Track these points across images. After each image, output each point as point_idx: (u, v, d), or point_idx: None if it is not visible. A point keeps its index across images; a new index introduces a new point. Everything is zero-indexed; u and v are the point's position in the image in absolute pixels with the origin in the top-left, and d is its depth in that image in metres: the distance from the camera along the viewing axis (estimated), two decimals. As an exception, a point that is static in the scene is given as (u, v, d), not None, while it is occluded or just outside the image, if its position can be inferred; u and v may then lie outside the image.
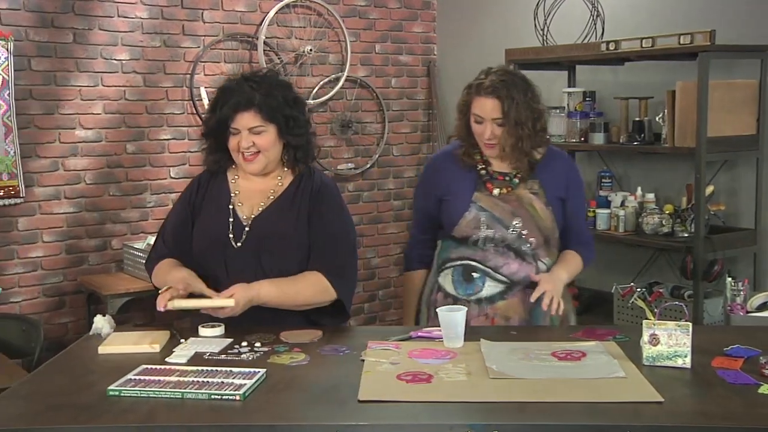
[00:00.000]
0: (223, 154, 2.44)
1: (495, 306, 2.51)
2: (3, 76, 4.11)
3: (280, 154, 2.43)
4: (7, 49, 4.11)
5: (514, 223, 2.49)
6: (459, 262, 2.55)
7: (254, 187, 2.45)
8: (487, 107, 2.44)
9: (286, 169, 2.47)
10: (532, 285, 2.48)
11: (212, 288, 2.29)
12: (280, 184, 2.45)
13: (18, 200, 4.23)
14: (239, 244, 2.37)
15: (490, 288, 2.51)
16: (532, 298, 2.42)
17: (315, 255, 2.39)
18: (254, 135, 2.35)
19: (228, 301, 2.18)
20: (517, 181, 2.53)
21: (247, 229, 2.38)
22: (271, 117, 2.35)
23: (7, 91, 4.13)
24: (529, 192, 2.52)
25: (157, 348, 2.12)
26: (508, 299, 2.51)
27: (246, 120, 2.33)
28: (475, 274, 2.52)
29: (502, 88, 2.42)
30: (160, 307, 2.19)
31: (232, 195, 2.45)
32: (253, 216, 2.41)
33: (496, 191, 2.53)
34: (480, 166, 2.56)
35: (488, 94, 2.44)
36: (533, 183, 2.53)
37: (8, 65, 4.12)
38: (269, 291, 2.28)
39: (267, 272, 2.34)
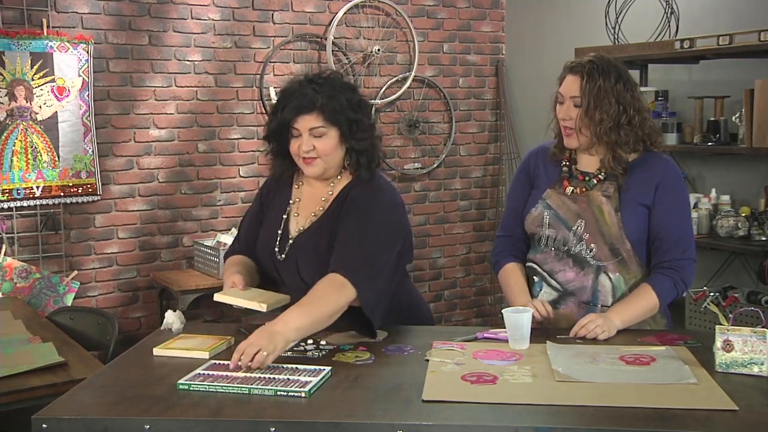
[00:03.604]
0: (286, 158, 2.40)
1: None
2: (83, 78, 4.27)
3: (341, 159, 2.35)
4: (88, 52, 4.26)
5: (577, 225, 2.35)
6: (527, 264, 2.48)
7: (314, 193, 2.40)
8: (567, 84, 2.34)
9: (340, 176, 2.37)
10: (588, 301, 2.34)
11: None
12: (331, 192, 2.37)
13: (95, 198, 4.38)
14: (282, 256, 2.38)
15: (545, 294, 2.40)
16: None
17: (334, 254, 2.25)
18: (315, 138, 2.27)
19: (260, 306, 2.21)
20: (594, 182, 2.35)
21: (290, 242, 2.38)
22: (333, 120, 2.27)
23: (87, 92, 4.29)
24: (601, 194, 2.33)
25: (206, 356, 2.09)
26: (560, 309, 2.37)
27: (307, 122, 2.27)
28: (535, 278, 2.44)
29: (587, 67, 2.31)
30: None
31: (290, 202, 2.43)
32: (300, 229, 2.38)
33: (569, 190, 2.37)
34: (564, 163, 2.43)
35: (572, 72, 2.34)
36: (609, 185, 2.33)
37: (88, 67, 4.27)
38: (300, 326, 2.06)
39: (309, 284, 2.24)
